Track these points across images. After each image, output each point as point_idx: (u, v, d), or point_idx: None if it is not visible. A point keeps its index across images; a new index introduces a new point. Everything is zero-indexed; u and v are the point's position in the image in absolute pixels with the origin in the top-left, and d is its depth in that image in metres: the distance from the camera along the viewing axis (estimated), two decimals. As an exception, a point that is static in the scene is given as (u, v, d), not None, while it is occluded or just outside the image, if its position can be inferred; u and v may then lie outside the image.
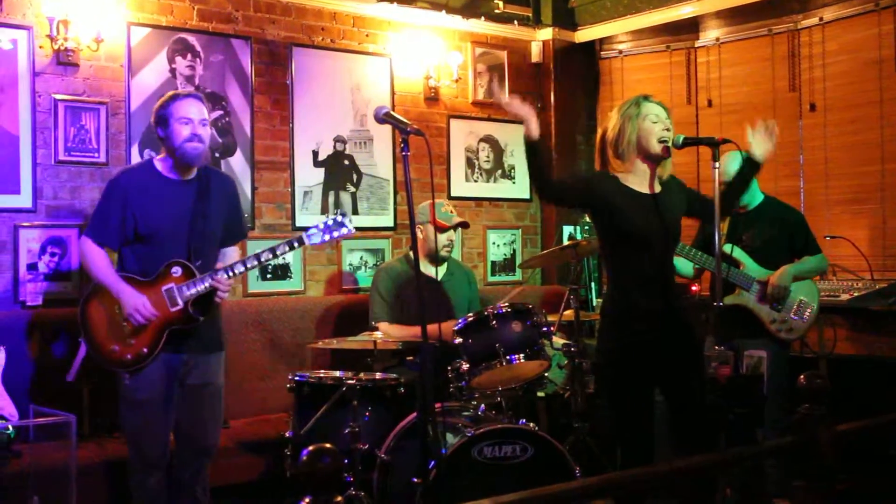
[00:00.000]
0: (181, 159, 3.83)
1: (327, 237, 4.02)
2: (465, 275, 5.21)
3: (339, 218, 4.06)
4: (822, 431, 2.65)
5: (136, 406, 3.79)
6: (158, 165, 3.91)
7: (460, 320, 4.36)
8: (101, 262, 3.80)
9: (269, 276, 5.61)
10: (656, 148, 3.59)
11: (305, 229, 4.03)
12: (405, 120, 3.22)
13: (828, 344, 5.42)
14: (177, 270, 3.79)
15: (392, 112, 3.26)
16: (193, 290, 3.78)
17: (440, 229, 4.91)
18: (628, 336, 3.59)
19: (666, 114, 3.65)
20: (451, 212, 5.01)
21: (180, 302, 3.77)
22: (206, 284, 3.78)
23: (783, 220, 4.81)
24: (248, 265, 3.89)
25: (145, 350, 3.75)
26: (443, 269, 5.00)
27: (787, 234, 4.78)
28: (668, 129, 3.61)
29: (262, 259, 3.88)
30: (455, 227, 4.99)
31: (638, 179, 3.66)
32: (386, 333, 4.68)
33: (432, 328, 4.18)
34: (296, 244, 3.95)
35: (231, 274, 3.83)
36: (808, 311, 4.72)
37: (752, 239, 4.77)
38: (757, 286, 4.69)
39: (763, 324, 4.70)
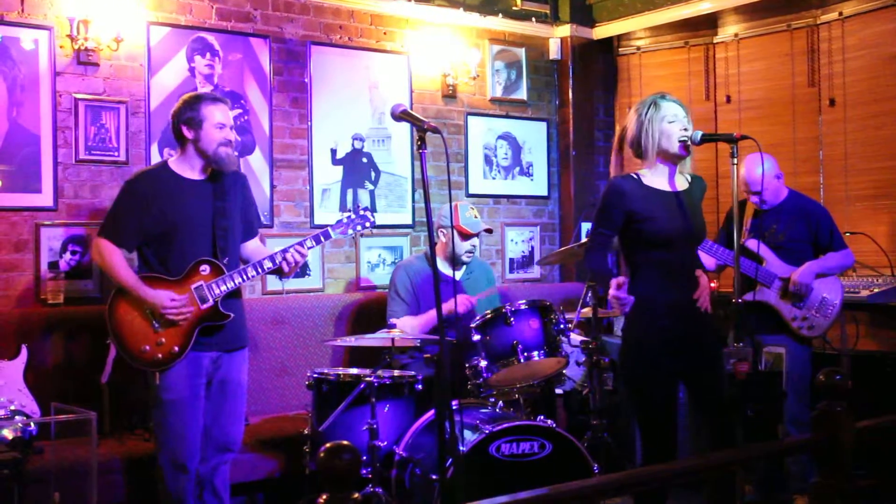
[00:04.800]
0: (216, 163, 3.88)
1: (350, 231, 4.08)
2: (484, 272, 5.16)
3: (362, 211, 4.12)
4: (841, 428, 2.64)
5: (168, 407, 3.82)
6: (174, 166, 3.94)
7: (478, 316, 4.36)
8: (120, 262, 3.83)
9: (287, 273, 5.63)
10: (675, 147, 3.59)
11: (329, 226, 4.08)
12: (421, 117, 3.23)
13: (850, 340, 5.37)
14: (205, 269, 3.83)
15: (408, 109, 3.28)
16: (224, 287, 3.82)
17: (464, 236, 4.87)
18: (652, 331, 3.58)
19: (684, 111, 3.64)
20: (476, 217, 4.91)
21: (211, 299, 3.80)
22: (236, 281, 3.84)
23: (808, 216, 4.77)
24: (276, 260, 3.92)
25: (177, 349, 3.78)
26: (461, 269, 4.97)
27: (812, 229, 4.74)
28: (685, 129, 3.60)
29: (289, 253, 3.92)
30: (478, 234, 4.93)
31: (659, 178, 3.66)
32: (402, 326, 4.68)
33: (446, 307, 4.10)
34: (322, 238, 4.00)
35: (259, 270, 3.90)
36: (831, 308, 4.68)
37: (775, 235, 4.74)
38: (779, 283, 4.66)
39: (784, 321, 4.67)
